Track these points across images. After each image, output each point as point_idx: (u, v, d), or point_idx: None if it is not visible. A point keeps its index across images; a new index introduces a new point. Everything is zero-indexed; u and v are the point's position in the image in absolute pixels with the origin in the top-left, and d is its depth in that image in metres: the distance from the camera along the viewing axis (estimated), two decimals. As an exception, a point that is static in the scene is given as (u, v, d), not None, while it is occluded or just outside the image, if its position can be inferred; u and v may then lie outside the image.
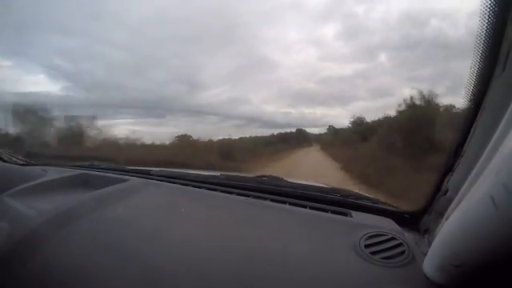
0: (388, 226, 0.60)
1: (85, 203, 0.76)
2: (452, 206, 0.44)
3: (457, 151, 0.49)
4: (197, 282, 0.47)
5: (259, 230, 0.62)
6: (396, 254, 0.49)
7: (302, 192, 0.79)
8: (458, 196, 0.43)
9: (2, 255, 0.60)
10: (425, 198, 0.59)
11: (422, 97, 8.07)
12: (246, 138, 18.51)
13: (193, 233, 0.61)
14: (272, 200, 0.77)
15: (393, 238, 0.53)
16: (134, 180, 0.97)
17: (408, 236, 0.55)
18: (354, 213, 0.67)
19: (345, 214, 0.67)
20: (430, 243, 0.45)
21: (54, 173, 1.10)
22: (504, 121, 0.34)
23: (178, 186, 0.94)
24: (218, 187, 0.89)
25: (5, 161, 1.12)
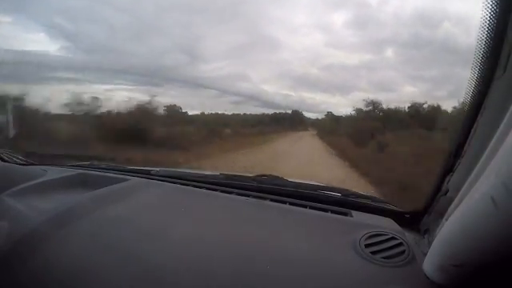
0: (388, 225, 0.60)
1: (85, 203, 0.76)
2: (452, 206, 0.44)
3: (457, 152, 0.49)
4: (197, 281, 0.47)
5: (259, 229, 0.62)
6: (396, 254, 0.49)
7: (302, 191, 0.79)
8: (458, 196, 0.43)
9: (2, 255, 0.60)
10: (425, 198, 0.59)
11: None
12: (240, 115, 17.20)
13: (193, 232, 0.61)
14: (272, 200, 0.77)
15: (393, 238, 0.54)
16: (134, 180, 0.97)
17: (408, 236, 0.56)
18: (354, 212, 0.67)
19: (345, 214, 0.67)
20: (430, 243, 0.45)
21: (53, 172, 1.10)
22: (504, 122, 0.34)
23: (177, 185, 0.94)
24: (218, 187, 0.89)
25: (5, 160, 1.12)
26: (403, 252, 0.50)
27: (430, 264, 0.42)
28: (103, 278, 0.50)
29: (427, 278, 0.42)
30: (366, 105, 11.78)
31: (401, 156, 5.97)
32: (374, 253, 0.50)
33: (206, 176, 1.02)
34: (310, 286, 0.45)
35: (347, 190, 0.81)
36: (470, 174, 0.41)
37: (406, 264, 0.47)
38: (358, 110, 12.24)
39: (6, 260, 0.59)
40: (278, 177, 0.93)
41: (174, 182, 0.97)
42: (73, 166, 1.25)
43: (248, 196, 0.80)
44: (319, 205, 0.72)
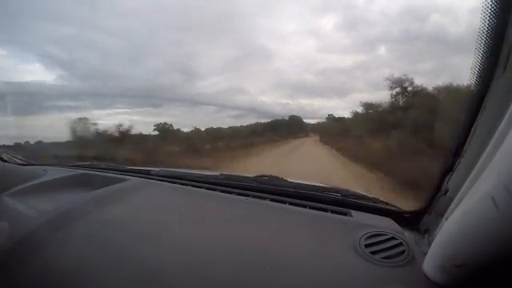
0: (388, 225, 0.60)
1: (85, 203, 0.76)
2: (452, 206, 0.44)
3: (457, 151, 0.49)
4: (196, 281, 0.47)
5: (259, 229, 0.62)
6: (396, 254, 0.49)
7: (301, 192, 0.79)
8: (458, 196, 0.43)
9: (2, 255, 0.60)
10: (425, 197, 0.59)
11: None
12: (232, 127, 16.22)
13: (192, 232, 0.61)
14: (272, 200, 0.77)
15: (393, 238, 0.53)
16: (134, 180, 0.97)
17: (408, 236, 0.56)
18: (354, 212, 0.67)
19: (345, 214, 0.67)
20: (429, 243, 0.45)
21: (54, 173, 1.10)
22: (504, 121, 0.34)
23: (177, 185, 0.94)
24: (218, 187, 0.89)
25: (5, 161, 1.12)
26: (403, 252, 0.50)
27: (429, 264, 0.42)
28: (102, 279, 0.50)
29: (427, 277, 0.42)
30: (392, 86, 8.67)
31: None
32: (373, 253, 0.50)
33: (206, 176, 1.02)
34: (310, 286, 0.45)
35: (347, 190, 0.81)
36: (469, 174, 0.40)
37: (406, 264, 0.47)
38: (371, 106, 8.73)
39: (6, 261, 0.59)
40: (277, 177, 0.93)
41: (174, 182, 0.97)
42: (73, 166, 1.25)
43: (248, 196, 0.80)
44: (319, 205, 0.72)
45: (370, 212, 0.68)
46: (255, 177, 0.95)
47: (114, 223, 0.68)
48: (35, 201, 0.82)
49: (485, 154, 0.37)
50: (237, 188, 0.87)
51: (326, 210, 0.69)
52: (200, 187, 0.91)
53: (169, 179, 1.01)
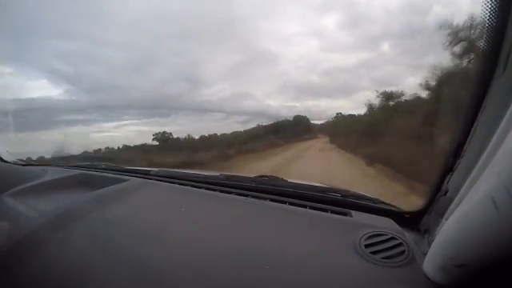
0: (388, 225, 0.60)
1: (84, 204, 0.76)
2: (452, 206, 0.44)
3: (457, 151, 0.49)
4: (196, 281, 0.47)
5: (259, 229, 0.62)
6: (396, 254, 0.49)
7: (301, 192, 0.79)
8: (458, 196, 0.43)
9: (2, 255, 0.60)
10: (425, 198, 0.59)
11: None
12: (226, 134, 14.90)
13: (192, 232, 0.61)
14: (271, 200, 0.77)
15: (393, 238, 0.53)
16: (134, 180, 0.98)
17: (408, 236, 0.55)
18: (354, 212, 0.67)
19: (345, 214, 0.67)
20: (429, 243, 0.45)
21: (54, 173, 1.10)
22: (504, 121, 0.34)
23: (177, 185, 0.94)
24: (218, 187, 0.89)
25: (5, 161, 1.12)
26: (403, 252, 0.49)
27: (429, 264, 0.42)
28: (102, 279, 0.50)
29: (427, 278, 0.42)
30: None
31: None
32: (373, 253, 0.50)
33: (206, 176, 1.02)
34: (310, 286, 0.45)
35: (347, 190, 0.81)
36: (469, 174, 0.40)
37: (406, 264, 0.47)
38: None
39: (5, 262, 0.59)
40: (277, 177, 0.93)
41: (174, 182, 0.97)
42: (73, 166, 1.25)
43: (247, 196, 0.80)
44: (319, 205, 0.72)
45: (369, 212, 0.68)
46: (255, 177, 0.95)
47: (114, 223, 0.68)
48: (35, 201, 0.82)
49: (485, 154, 0.37)
50: (236, 188, 0.87)
51: (325, 210, 0.69)
52: (199, 187, 0.91)
53: (168, 179, 1.01)
